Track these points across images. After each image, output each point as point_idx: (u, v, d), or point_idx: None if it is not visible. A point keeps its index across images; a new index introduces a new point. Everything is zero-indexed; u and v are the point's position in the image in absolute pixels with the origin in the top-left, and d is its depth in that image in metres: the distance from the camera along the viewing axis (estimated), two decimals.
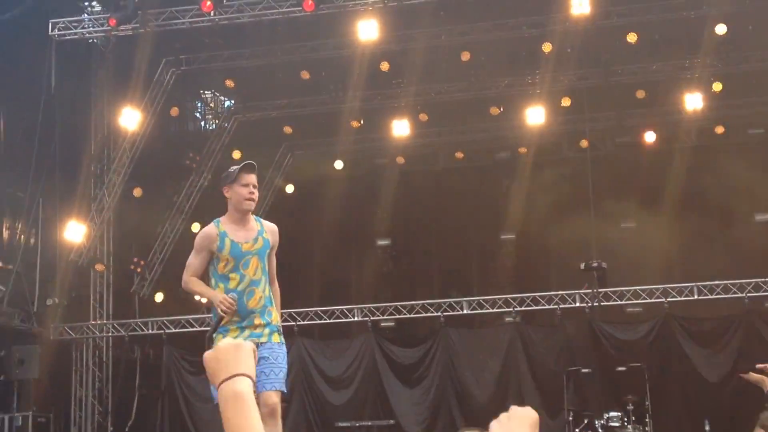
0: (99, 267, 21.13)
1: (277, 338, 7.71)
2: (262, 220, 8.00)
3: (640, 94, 22.24)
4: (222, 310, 7.33)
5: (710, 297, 19.38)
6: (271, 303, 7.78)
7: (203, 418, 20.11)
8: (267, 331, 7.69)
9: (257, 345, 7.39)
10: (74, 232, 20.53)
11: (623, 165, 23.32)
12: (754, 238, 22.79)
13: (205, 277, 7.87)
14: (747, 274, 19.56)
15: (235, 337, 7.38)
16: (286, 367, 7.76)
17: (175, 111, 22.32)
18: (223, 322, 7.43)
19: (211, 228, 7.82)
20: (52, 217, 20.60)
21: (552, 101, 22.32)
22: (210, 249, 7.72)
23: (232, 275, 7.68)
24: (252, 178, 7.76)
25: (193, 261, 7.81)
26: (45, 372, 19.33)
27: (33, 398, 19.02)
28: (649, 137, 23.10)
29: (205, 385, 20.35)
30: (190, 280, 7.80)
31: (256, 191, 7.78)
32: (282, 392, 7.61)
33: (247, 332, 7.60)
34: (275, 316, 7.80)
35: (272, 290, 7.86)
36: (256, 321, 7.66)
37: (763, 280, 19.09)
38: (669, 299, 19.37)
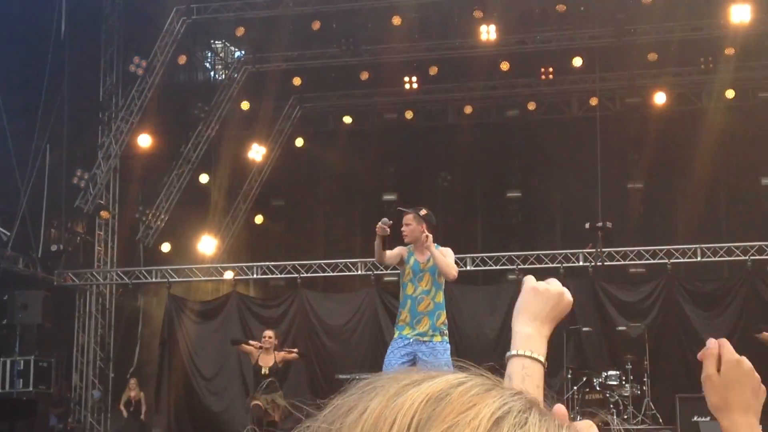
0: (104, 214, 21.20)
1: (438, 338, 10.00)
2: (440, 247, 10.15)
3: (652, 55, 22.12)
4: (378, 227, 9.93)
5: (713, 259, 19.38)
6: (439, 308, 10.05)
7: (204, 367, 20.26)
8: (431, 332, 9.99)
9: (423, 342, 9.98)
10: (81, 178, 20.59)
11: (632, 125, 23.22)
12: (759, 201, 22.78)
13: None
14: (751, 237, 19.54)
15: (407, 334, 10.03)
16: (447, 360, 9.85)
17: (182, 59, 22.21)
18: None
19: (406, 247, 10.34)
20: (59, 163, 20.62)
21: (563, 60, 22.28)
22: (402, 255, 10.22)
23: (409, 284, 10.14)
24: (405, 219, 10.15)
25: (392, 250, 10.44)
26: (48, 317, 19.44)
27: (35, 343, 19.15)
28: (659, 98, 23.00)
29: (205, 334, 20.52)
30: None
31: (407, 228, 10.09)
32: None
33: (416, 331, 9.99)
34: (441, 319, 10.05)
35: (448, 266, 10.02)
36: (424, 321, 9.98)
37: (766, 243, 19.07)
38: (672, 260, 19.37)
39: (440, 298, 10.12)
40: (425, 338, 9.98)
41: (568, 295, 2.29)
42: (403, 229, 10.09)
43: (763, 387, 2.22)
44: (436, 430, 0.92)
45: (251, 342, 15.69)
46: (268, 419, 14.78)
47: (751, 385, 2.19)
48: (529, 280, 2.30)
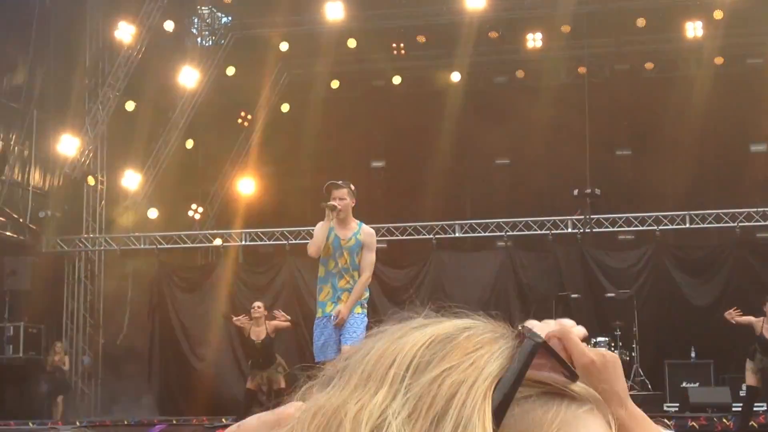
0: (91, 180, 21.12)
1: (359, 310, 10.14)
2: (363, 225, 10.34)
3: (641, 21, 22.06)
4: (334, 210, 9.96)
5: (702, 226, 19.43)
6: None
7: (193, 334, 20.27)
8: (338, 309, 10.13)
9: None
10: (68, 144, 20.52)
11: (620, 92, 23.20)
12: (747, 169, 22.81)
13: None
14: (739, 204, 19.59)
15: (330, 311, 10.14)
16: (362, 332, 9.89)
17: (169, 25, 22.08)
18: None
19: (327, 222, 10.25)
20: (47, 129, 20.54)
21: (551, 26, 22.20)
22: (325, 235, 10.22)
23: (330, 260, 10.21)
24: (336, 194, 10.09)
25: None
26: (37, 284, 19.40)
27: (24, 309, 19.12)
28: (648, 65, 22.97)
29: (194, 301, 20.53)
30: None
31: (341, 202, 10.04)
32: None
33: (339, 305, 10.09)
34: (363, 295, 10.24)
35: (360, 279, 10.15)
36: (344, 297, 10.13)
37: (755, 210, 19.14)
38: (661, 227, 19.42)
39: (358, 276, 10.27)
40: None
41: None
42: (336, 202, 10.08)
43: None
44: (437, 370, 0.92)
45: (238, 320, 15.71)
46: (275, 388, 14.92)
47: (617, 376, 1.73)
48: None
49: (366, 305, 10.34)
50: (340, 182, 10.25)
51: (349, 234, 10.24)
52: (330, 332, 10.16)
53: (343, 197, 10.12)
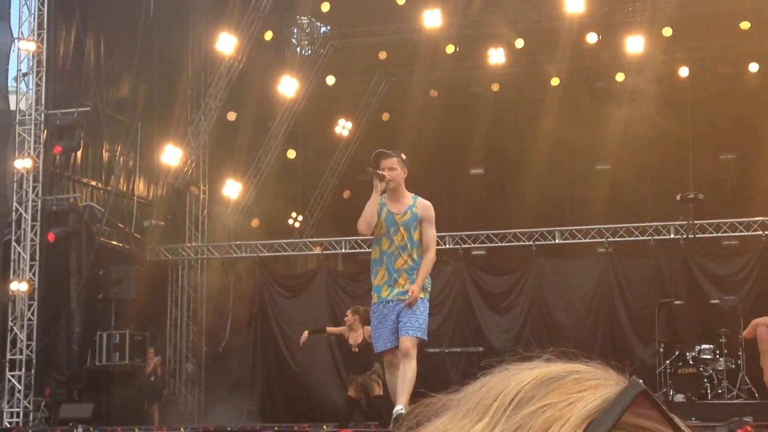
0: (194, 190, 21.47)
1: (421, 294, 9.17)
2: (418, 198, 9.36)
3: (745, 24, 21.66)
4: (383, 180, 9.03)
5: None
6: (418, 266, 9.23)
7: (295, 342, 20.41)
8: (410, 288, 9.18)
9: (402, 302, 9.16)
10: (171, 155, 20.89)
11: (724, 95, 22.79)
12: None
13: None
14: None
15: (386, 296, 9.24)
16: (424, 317, 9.26)
17: (269, 35, 22.36)
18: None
19: (376, 194, 9.30)
20: (151, 140, 20.94)
21: (652, 29, 21.90)
22: (375, 209, 9.27)
23: (384, 239, 9.29)
24: (385, 164, 9.15)
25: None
26: (141, 292, 19.76)
27: (130, 317, 19.48)
28: (752, 67, 22.53)
29: (296, 308, 20.69)
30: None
31: (391, 172, 9.11)
32: (419, 338, 9.24)
33: (396, 290, 9.21)
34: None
35: (425, 257, 9.27)
36: (401, 280, 9.20)
37: None
38: (767, 232, 19.00)
39: (417, 255, 9.32)
40: (405, 297, 9.18)
41: None
42: (385, 173, 9.14)
43: None
44: (537, 405, 0.93)
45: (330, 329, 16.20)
46: (372, 396, 14.98)
47: None
48: None
49: (429, 290, 9.48)
50: (389, 151, 9.30)
51: (403, 208, 9.31)
52: (389, 320, 9.22)
53: (393, 167, 9.19)
